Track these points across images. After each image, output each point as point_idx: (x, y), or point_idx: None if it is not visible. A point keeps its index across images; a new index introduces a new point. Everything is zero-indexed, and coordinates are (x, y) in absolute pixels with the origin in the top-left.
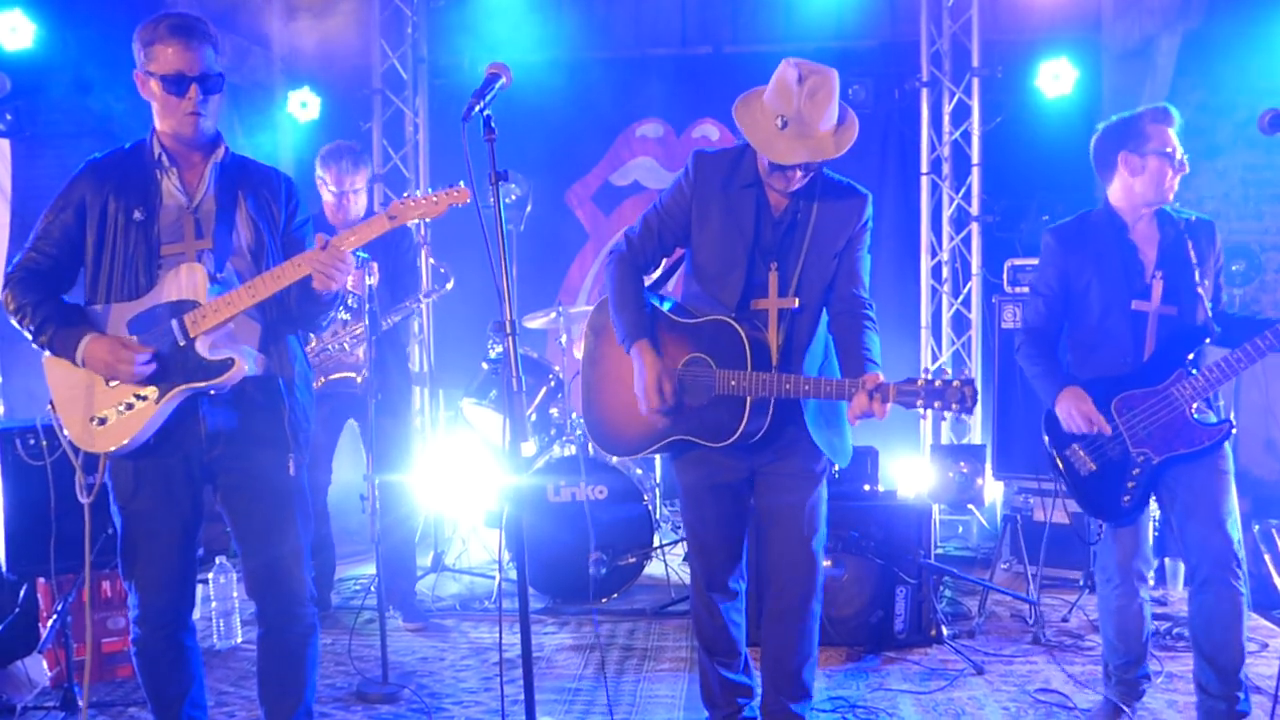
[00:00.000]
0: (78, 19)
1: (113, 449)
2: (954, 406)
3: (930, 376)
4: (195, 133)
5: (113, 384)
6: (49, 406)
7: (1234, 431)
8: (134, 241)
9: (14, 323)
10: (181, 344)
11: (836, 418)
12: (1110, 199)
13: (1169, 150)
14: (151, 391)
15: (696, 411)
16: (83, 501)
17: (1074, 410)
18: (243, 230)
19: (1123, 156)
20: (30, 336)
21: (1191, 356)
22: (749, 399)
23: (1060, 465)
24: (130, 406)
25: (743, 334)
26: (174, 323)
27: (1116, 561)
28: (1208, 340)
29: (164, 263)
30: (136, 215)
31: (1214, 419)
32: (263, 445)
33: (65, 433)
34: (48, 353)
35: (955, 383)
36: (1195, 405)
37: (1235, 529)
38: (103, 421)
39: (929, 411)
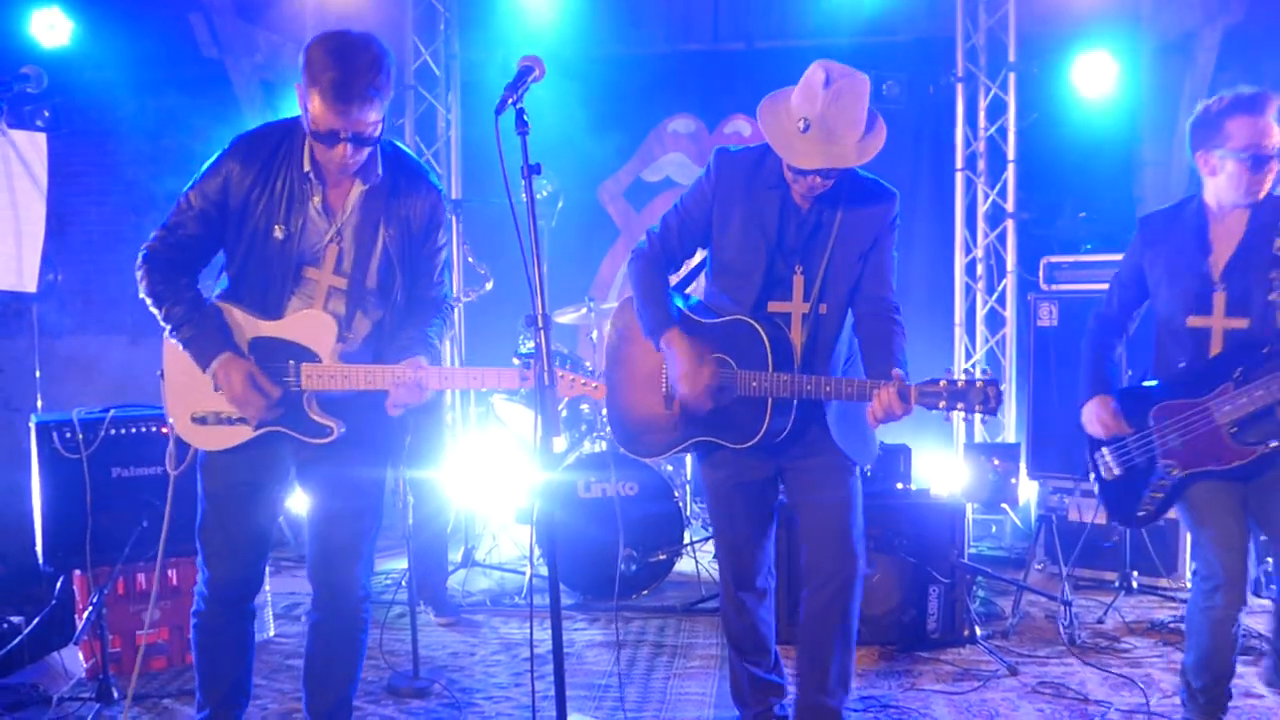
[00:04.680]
0: (114, 16)
1: (203, 449)
2: (977, 408)
3: (953, 377)
4: (343, 173)
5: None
6: (159, 374)
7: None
8: (273, 258)
9: (142, 296)
10: (292, 389)
11: (859, 418)
12: (1203, 192)
13: (1250, 149)
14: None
15: (718, 412)
16: (170, 472)
17: (1093, 417)
18: (377, 266)
19: (1200, 157)
20: (163, 325)
21: (1239, 373)
22: (771, 399)
23: (1091, 466)
24: (231, 421)
25: (764, 334)
26: (291, 365)
27: (1223, 569)
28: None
29: (301, 285)
30: (277, 233)
31: (1254, 439)
32: (357, 448)
33: (169, 418)
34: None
35: (979, 383)
36: (1231, 423)
37: None
38: (202, 421)
39: (953, 413)
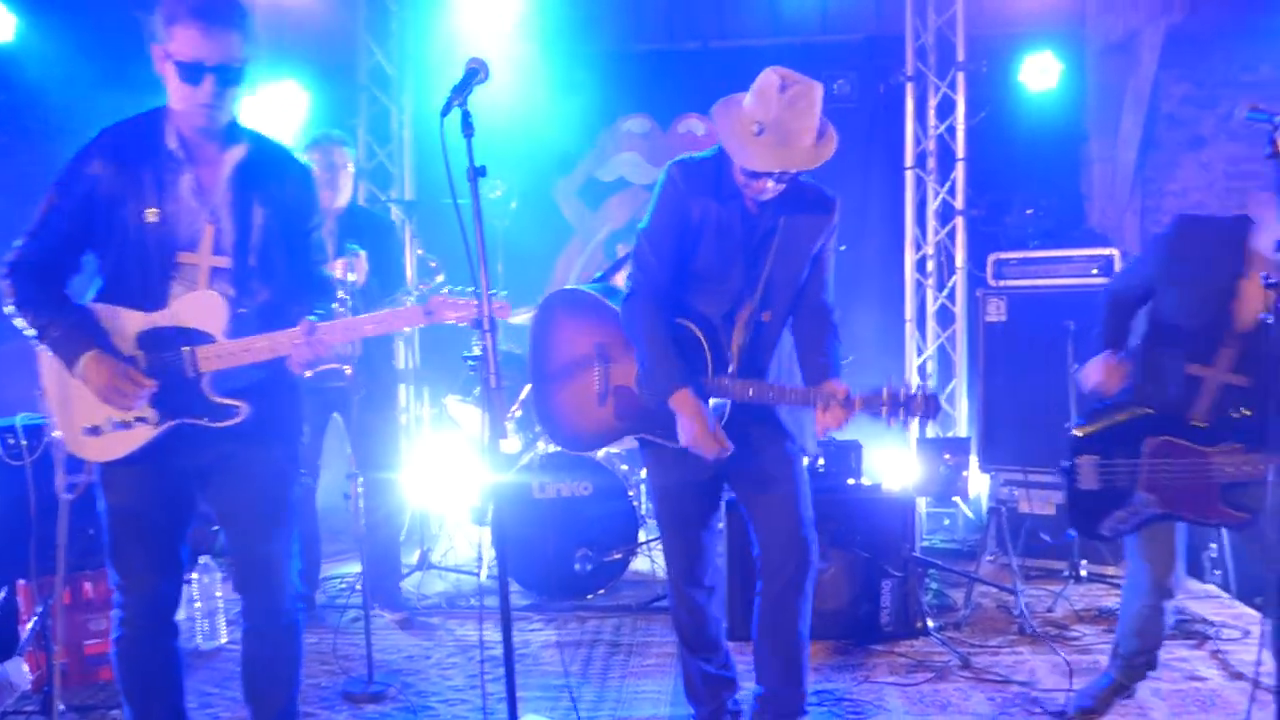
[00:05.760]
0: (60, 12)
1: (102, 460)
2: (917, 415)
3: (895, 387)
4: (208, 124)
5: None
6: (39, 393)
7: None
8: (148, 245)
9: (7, 310)
10: (189, 375)
11: (804, 409)
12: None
13: None
14: (151, 415)
15: (653, 410)
16: (64, 498)
17: (1097, 373)
18: (257, 244)
19: None
20: (30, 334)
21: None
22: (710, 399)
23: (1069, 468)
24: (127, 425)
25: (701, 336)
26: (185, 352)
27: (1151, 580)
28: None
29: (179, 271)
30: (150, 217)
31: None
32: (259, 444)
33: (55, 433)
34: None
35: (919, 395)
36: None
37: None
38: (95, 431)
39: (894, 421)
